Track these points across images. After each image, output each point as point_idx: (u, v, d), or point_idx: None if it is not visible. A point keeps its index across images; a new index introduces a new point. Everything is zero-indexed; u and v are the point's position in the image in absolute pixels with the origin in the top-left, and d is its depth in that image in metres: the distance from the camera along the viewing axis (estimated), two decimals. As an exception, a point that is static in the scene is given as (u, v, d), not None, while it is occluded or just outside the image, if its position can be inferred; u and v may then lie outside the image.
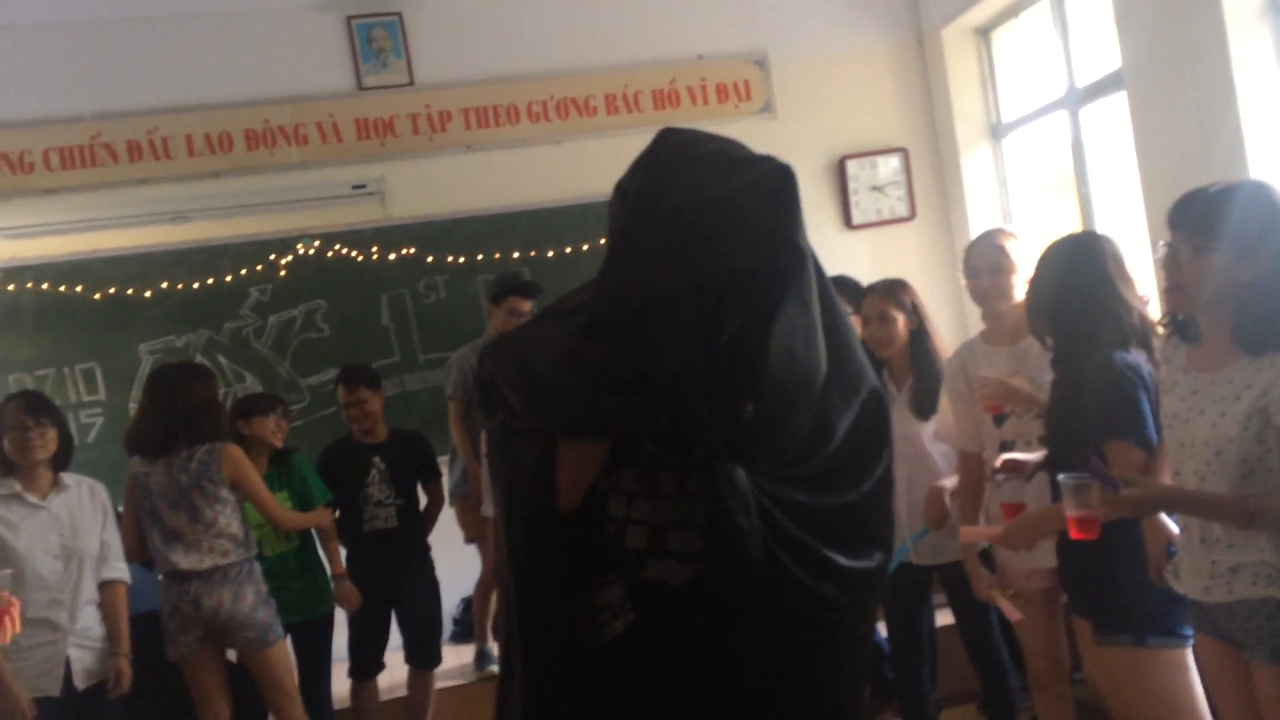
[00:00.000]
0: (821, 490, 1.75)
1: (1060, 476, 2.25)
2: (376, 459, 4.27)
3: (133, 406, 5.03)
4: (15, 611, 2.70)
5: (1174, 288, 2.19)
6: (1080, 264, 2.58)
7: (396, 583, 4.24)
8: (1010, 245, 3.08)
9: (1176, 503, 2.17)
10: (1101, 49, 4.67)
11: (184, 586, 3.58)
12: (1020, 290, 3.01)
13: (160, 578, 3.66)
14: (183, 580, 3.58)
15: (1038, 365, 2.95)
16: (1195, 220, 2.14)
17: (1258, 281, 2.07)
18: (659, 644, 1.70)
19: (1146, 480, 2.18)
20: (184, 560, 3.56)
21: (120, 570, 3.51)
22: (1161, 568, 2.40)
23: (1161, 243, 2.22)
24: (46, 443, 3.31)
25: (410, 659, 4.35)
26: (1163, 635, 2.46)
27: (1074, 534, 2.25)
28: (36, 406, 3.34)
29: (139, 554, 3.65)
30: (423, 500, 4.43)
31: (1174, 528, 2.37)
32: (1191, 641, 2.42)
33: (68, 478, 3.43)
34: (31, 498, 3.31)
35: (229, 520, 3.60)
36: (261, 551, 3.97)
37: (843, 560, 1.74)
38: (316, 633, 4.10)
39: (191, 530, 3.58)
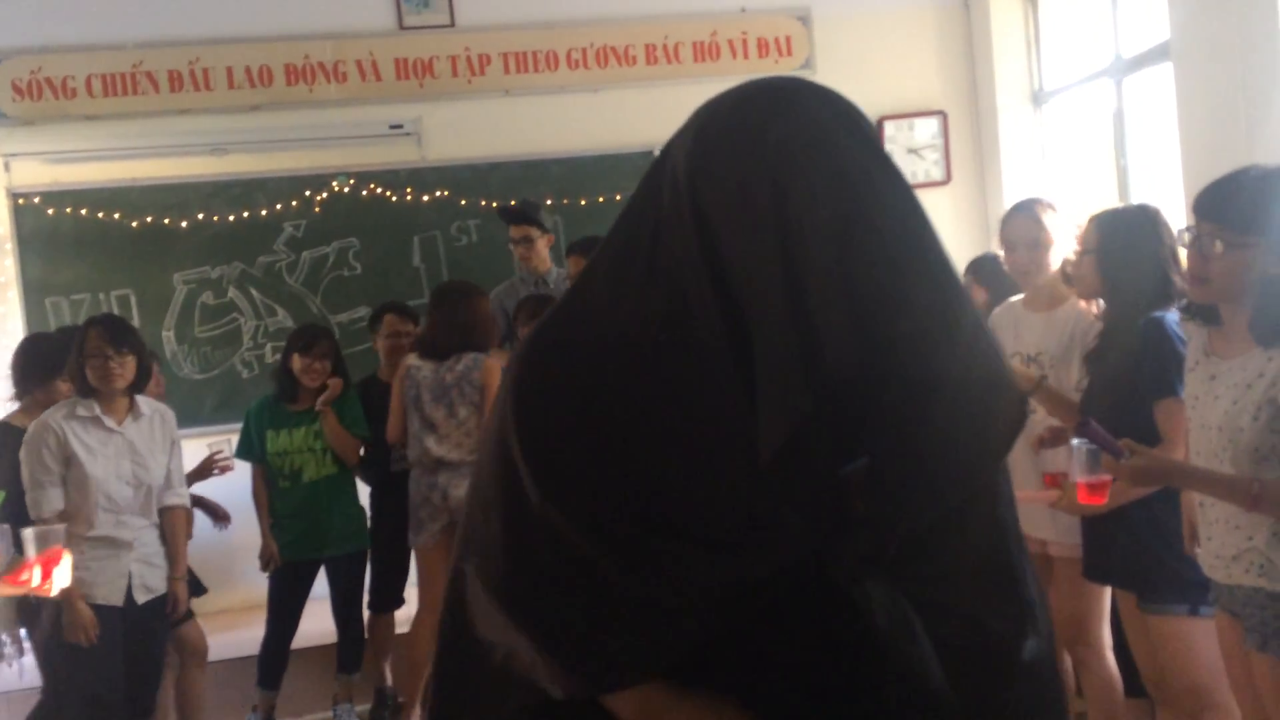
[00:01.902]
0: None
1: (1074, 442, 2.29)
2: None
3: (166, 335, 5.14)
4: (66, 564, 2.86)
5: (1201, 280, 2.16)
6: (1143, 234, 2.64)
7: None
8: (1048, 218, 3.07)
9: (1180, 477, 2.18)
10: (1149, 19, 4.60)
11: (434, 477, 3.92)
12: (1055, 262, 3.03)
13: (412, 470, 4.01)
14: (433, 471, 3.92)
15: (1073, 330, 3.00)
16: (1227, 213, 2.09)
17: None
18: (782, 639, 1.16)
19: (1150, 451, 2.19)
20: (435, 448, 3.91)
21: (182, 496, 3.64)
22: (1194, 540, 2.44)
23: (1185, 229, 2.19)
24: (126, 371, 3.37)
25: (427, 595, 4.46)
26: (1214, 605, 2.50)
27: (1083, 498, 2.29)
28: (118, 335, 3.38)
29: (401, 437, 4.03)
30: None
31: None
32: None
33: (143, 404, 3.51)
34: (109, 421, 3.39)
35: (478, 423, 3.86)
36: (301, 476, 4.13)
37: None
38: (355, 565, 4.25)
39: (446, 424, 3.92)
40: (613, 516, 1.09)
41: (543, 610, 1.13)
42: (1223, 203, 2.12)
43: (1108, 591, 3.00)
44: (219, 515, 4.16)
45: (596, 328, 1.13)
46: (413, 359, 4.03)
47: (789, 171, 1.02)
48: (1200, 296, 2.21)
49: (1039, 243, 3.03)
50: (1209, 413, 2.19)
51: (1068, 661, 3.16)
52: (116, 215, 5.14)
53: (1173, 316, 2.56)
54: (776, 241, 1.01)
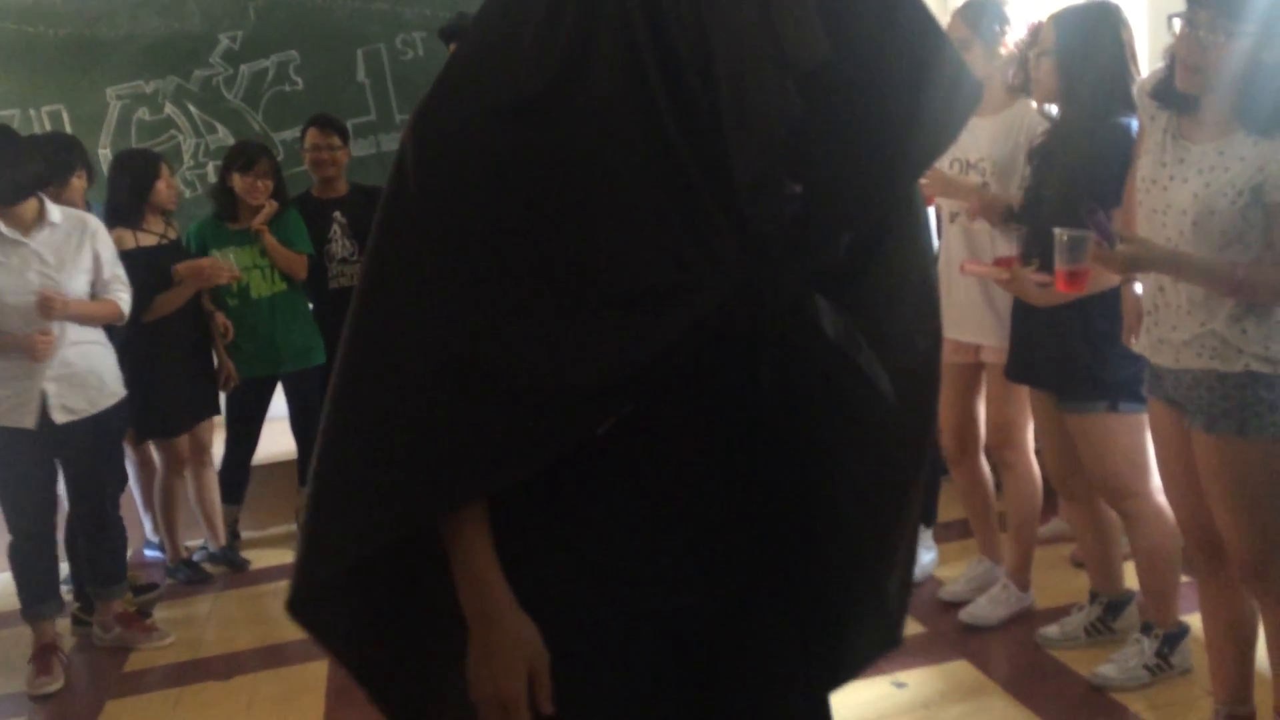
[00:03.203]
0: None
1: (1055, 230, 2.30)
2: (337, 214, 4.30)
3: (102, 153, 4.96)
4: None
5: (1194, 69, 2.10)
6: (1103, 33, 2.60)
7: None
8: (967, 19, 2.99)
9: (1167, 264, 2.18)
10: None
11: None
12: (985, 60, 2.98)
13: None
14: None
15: (1018, 136, 2.97)
16: (1224, 1, 2.04)
17: (1268, 59, 2.02)
18: (675, 420, 1.15)
19: (1142, 238, 2.21)
20: None
21: (122, 299, 3.44)
22: (1135, 332, 2.50)
23: (1177, 17, 2.12)
24: None
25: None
26: (1133, 401, 2.60)
27: (1061, 287, 2.33)
28: None
29: None
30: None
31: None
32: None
33: (57, 213, 3.34)
34: (12, 233, 3.24)
35: None
36: (250, 294, 4.10)
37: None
38: (312, 381, 4.26)
39: None
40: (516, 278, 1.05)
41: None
42: None
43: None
44: (225, 332, 4.12)
45: (491, 86, 1.07)
46: None
47: None
48: (1189, 85, 2.14)
49: (962, 44, 2.95)
50: (1174, 195, 2.18)
51: (985, 465, 3.28)
52: (40, 26, 4.86)
53: (1136, 123, 2.53)
54: None
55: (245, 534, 4.48)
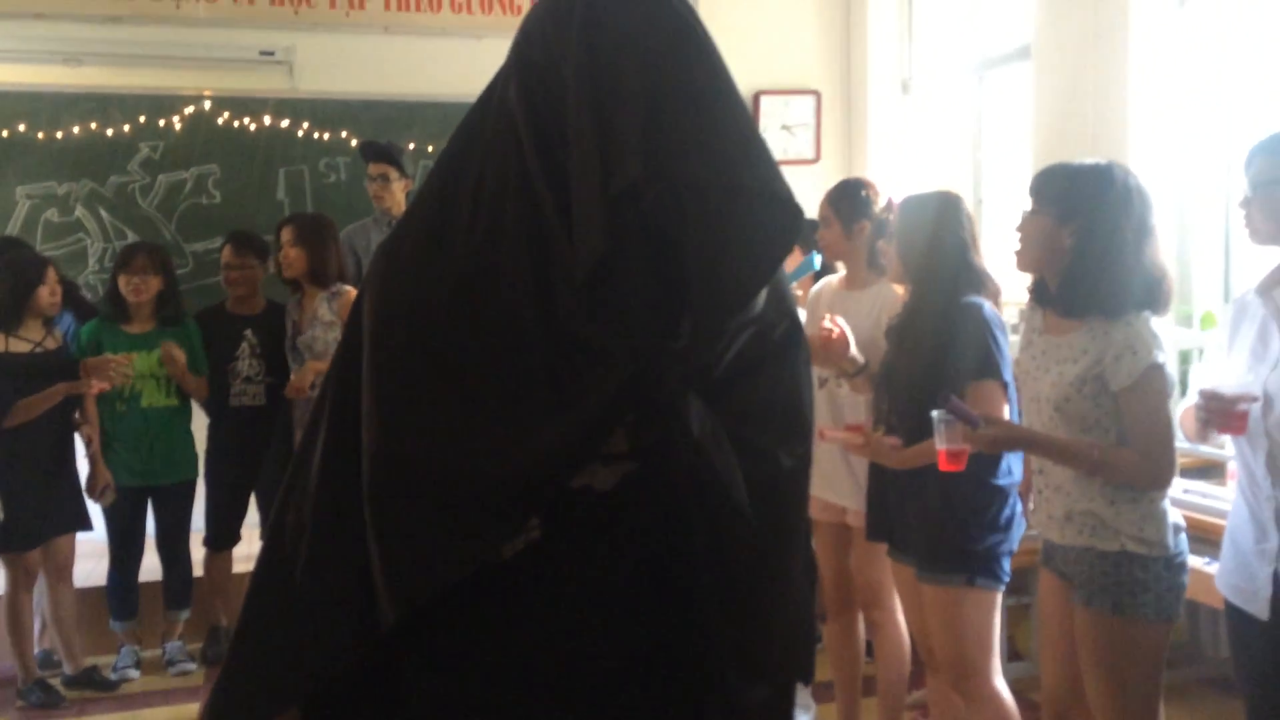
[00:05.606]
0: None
1: (935, 413, 2.37)
2: (249, 332, 4.23)
3: (4, 249, 4.87)
4: None
5: (1016, 248, 2.40)
6: (949, 219, 2.74)
7: (257, 459, 4.24)
8: (834, 201, 3.14)
9: (1029, 443, 2.33)
10: (1014, 21, 4.82)
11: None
12: (843, 238, 3.13)
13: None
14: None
15: (877, 314, 3.04)
16: (1033, 186, 2.37)
17: (1073, 247, 2.27)
18: (577, 558, 1.29)
19: (1003, 420, 2.34)
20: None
21: None
22: (1026, 501, 2.61)
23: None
24: None
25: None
26: (989, 578, 2.63)
27: (944, 466, 2.38)
28: None
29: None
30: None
31: None
32: (1004, 585, 2.66)
33: None
34: None
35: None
36: (140, 401, 4.03)
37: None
38: (183, 496, 4.14)
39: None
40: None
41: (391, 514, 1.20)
42: (1037, 178, 2.39)
43: None
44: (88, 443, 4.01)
45: (428, 266, 1.25)
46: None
47: (598, 33, 1.14)
48: (1017, 265, 2.40)
49: (827, 221, 3.13)
50: (1039, 386, 2.34)
51: (861, 626, 3.29)
52: (-44, 120, 4.83)
53: (987, 304, 2.66)
54: (592, 99, 1.12)
55: (101, 660, 4.21)
